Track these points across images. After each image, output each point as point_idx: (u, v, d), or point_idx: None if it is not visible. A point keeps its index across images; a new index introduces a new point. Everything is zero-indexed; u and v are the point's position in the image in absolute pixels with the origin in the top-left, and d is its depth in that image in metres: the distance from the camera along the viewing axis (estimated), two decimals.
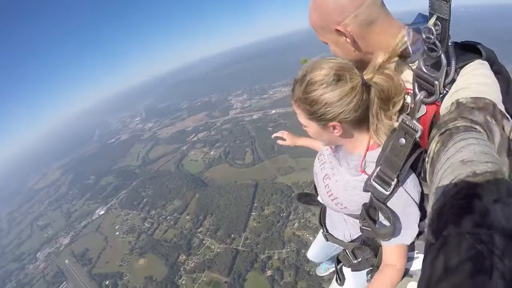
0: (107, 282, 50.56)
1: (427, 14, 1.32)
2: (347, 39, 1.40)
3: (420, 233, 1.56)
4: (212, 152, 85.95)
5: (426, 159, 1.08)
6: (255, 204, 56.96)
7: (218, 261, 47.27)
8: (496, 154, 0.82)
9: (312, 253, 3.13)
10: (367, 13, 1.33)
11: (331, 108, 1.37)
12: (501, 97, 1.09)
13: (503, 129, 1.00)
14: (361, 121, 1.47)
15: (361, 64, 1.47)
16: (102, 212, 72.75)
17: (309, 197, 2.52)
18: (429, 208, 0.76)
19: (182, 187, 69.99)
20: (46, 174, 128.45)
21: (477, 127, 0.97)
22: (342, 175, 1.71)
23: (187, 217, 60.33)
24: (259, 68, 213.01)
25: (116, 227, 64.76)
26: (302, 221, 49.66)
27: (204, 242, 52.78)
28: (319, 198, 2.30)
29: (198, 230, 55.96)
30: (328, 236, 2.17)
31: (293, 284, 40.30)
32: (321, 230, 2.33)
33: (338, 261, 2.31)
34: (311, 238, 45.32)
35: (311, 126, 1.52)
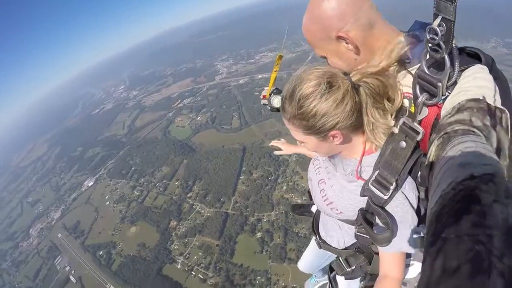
0: (101, 252, 51.25)
1: (423, 20, 1.40)
2: (349, 45, 1.39)
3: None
4: (198, 118, 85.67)
5: (426, 163, 1.09)
6: (244, 168, 57.50)
7: (209, 225, 48.03)
8: (495, 156, 0.83)
9: (303, 264, 2.98)
10: (367, 16, 1.33)
11: (328, 117, 1.34)
12: (500, 101, 1.09)
13: (502, 128, 1.00)
14: (357, 124, 1.43)
15: None
16: (91, 183, 72.66)
17: (303, 208, 2.52)
18: (428, 211, 0.77)
19: (170, 153, 70.09)
20: (32, 150, 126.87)
21: (475, 130, 0.97)
22: (338, 180, 1.66)
23: (176, 183, 60.62)
24: (244, 33, 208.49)
25: (106, 197, 64.92)
26: (290, 184, 50.39)
27: (194, 207, 53.38)
28: (313, 208, 2.32)
29: (188, 196, 56.44)
30: (322, 244, 2.10)
31: (283, 245, 41.19)
32: (314, 238, 2.26)
33: (331, 270, 2.27)
34: (299, 201, 46.01)
35: (309, 141, 1.47)
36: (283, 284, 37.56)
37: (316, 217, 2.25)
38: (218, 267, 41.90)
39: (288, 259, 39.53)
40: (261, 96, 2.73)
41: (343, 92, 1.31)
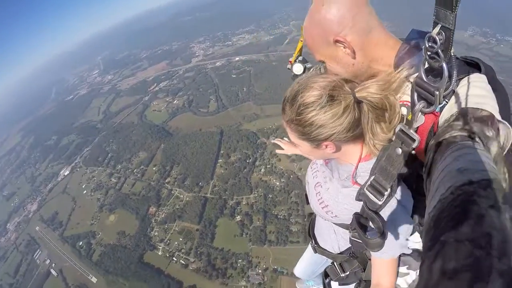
0: (81, 242, 50.70)
1: (420, 29, 1.45)
2: (346, 50, 1.44)
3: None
4: (175, 101, 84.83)
5: (424, 169, 1.11)
6: (221, 152, 57.48)
7: (188, 210, 48.11)
8: (493, 164, 0.85)
9: (299, 269, 3.04)
10: (364, 21, 1.39)
11: (324, 129, 1.39)
12: (498, 109, 1.12)
13: (500, 137, 1.03)
14: (354, 136, 1.48)
15: (358, 79, 1.52)
16: (67, 172, 71.12)
17: None
18: (426, 216, 0.79)
19: (147, 138, 69.24)
20: (5, 140, 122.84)
21: (474, 137, 1.00)
22: (334, 184, 1.71)
23: (154, 168, 60.19)
24: (222, 14, 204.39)
25: (83, 186, 63.89)
26: (268, 166, 50.89)
27: (172, 192, 53.29)
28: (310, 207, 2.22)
29: (166, 181, 56.24)
30: (317, 248, 2.14)
31: (262, 227, 41.81)
32: (310, 242, 2.28)
33: (326, 275, 2.29)
34: (277, 183, 46.63)
35: (303, 146, 1.54)
36: (264, 266, 38.32)
37: (312, 222, 2.28)
38: (199, 252, 42.28)
39: (269, 241, 40.27)
40: (288, 61, 2.72)
41: (344, 107, 1.35)
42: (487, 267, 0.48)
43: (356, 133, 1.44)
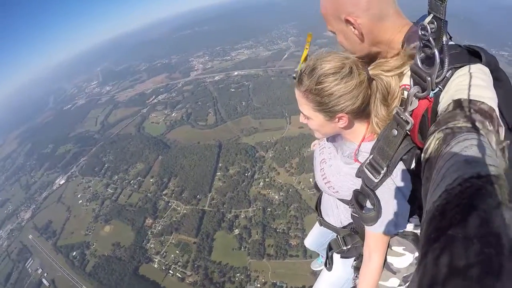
0: (74, 253, 49.73)
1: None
2: (355, 31, 1.47)
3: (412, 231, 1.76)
4: (173, 114, 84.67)
5: (423, 155, 1.09)
6: (220, 164, 57.28)
7: (186, 223, 47.64)
8: (497, 158, 0.84)
9: (309, 240, 3.17)
10: (379, 8, 1.40)
11: (342, 99, 1.46)
12: (497, 101, 1.12)
13: (498, 134, 1.02)
14: (363, 113, 1.58)
15: (365, 57, 1.58)
16: (63, 181, 70.28)
17: None
18: (428, 204, 0.77)
19: (144, 150, 68.85)
20: (1, 147, 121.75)
21: (479, 129, 0.98)
22: (337, 161, 1.82)
23: (151, 180, 59.67)
24: (220, 30, 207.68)
25: (79, 196, 62.99)
26: (267, 180, 50.90)
27: (170, 204, 52.88)
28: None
29: (163, 193, 55.76)
30: (322, 221, 2.23)
31: (261, 241, 41.51)
32: (316, 215, 2.38)
33: (330, 248, 2.34)
34: (276, 197, 46.54)
35: (316, 118, 1.60)
36: (263, 280, 37.85)
37: (320, 197, 2.36)
38: (196, 265, 41.66)
39: (267, 255, 39.93)
40: (294, 71, 2.86)
41: (359, 81, 1.45)
42: (498, 267, 0.47)
43: (366, 110, 1.56)
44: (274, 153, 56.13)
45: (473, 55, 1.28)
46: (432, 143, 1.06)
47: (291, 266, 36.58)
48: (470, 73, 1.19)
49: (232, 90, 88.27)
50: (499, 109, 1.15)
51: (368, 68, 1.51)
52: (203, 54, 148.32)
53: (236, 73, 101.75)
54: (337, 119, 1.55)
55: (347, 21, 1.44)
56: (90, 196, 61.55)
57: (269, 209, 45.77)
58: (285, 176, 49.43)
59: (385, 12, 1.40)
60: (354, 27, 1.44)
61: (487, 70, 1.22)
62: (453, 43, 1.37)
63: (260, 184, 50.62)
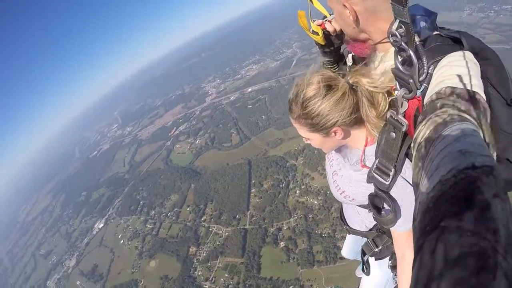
0: None
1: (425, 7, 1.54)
2: (351, 16, 1.51)
3: None
4: (197, 141, 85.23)
5: (412, 144, 1.09)
6: (253, 181, 56.96)
7: (229, 245, 47.26)
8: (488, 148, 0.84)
9: (345, 251, 3.24)
10: (375, 3, 1.42)
11: (330, 116, 1.55)
12: (482, 86, 1.13)
13: (486, 118, 1.02)
14: (357, 120, 1.64)
15: (355, 41, 1.68)
16: (102, 225, 71.25)
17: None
18: (422, 194, 0.77)
19: (176, 181, 69.24)
20: (37, 202, 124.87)
21: (469, 118, 0.97)
22: (347, 170, 1.87)
23: (188, 209, 59.77)
24: (225, 51, 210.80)
25: (119, 236, 63.61)
26: (302, 187, 50.20)
27: (210, 229, 52.63)
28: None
29: (202, 219, 55.66)
30: (349, 229, 2.29)
31: (309, 249, 40.73)
32: (343, 225, 2.41)
33: (364, 253, 2.37)
34: (315, 202, 45.83)
35: (314, 138, 1.72)
36: None
37: (341, 206, 2.41)
38: (247, 285, 41.05)
39: (317, 262, 39.09)
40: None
41: (342, 93, 1.53)
42: (493, 262, 0.46)
43: (357, 116, 1.61)
44: (304, 159, 55.41)
45: (456, 42, 1.33)
46: (421, 132, 1.03)
47: (343, 269, 35.31)
48: (448, 63, 1.22)
49: (250, 106, 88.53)
50: (493, 86, 1.24)
51: (348, 78, 1.59)
52: (214, 78, 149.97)
53: (250, 89, 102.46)
54: (333, 133, 1.64)
55: (344, 6, 1.48)
56: (131, 235, 62.03)
57: (311, 216, 45.01)
58: (320, 179, 48.51)
59: (381, 7, 1.41)
60: (350, 12, 1.48)
61: (470, 55, 1.24)
62: (437, 32, 1.42)
63: (297, 192, 50.01)
